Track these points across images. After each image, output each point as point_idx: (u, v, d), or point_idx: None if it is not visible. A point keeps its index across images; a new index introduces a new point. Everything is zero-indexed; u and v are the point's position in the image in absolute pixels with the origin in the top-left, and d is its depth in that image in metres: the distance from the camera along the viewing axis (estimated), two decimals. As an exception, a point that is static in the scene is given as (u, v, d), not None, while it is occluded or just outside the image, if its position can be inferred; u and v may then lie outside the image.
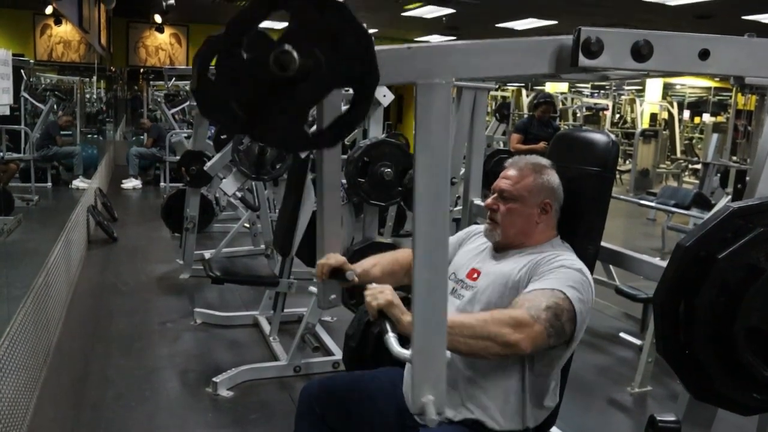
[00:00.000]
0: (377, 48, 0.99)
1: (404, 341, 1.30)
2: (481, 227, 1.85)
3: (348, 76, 0.98)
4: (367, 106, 1.00)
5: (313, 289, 3.00)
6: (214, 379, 3.14)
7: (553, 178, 1.73)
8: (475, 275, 1.73)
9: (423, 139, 1.07)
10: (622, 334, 4.13)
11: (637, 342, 3.95)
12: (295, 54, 0.91)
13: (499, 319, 1.45)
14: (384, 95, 3.45)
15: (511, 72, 1.19)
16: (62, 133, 7.11)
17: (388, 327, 1.39)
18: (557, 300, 1.50)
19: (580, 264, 1.62)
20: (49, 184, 6.73)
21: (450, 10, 9.65)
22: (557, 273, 1.57)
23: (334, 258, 1.61)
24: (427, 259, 1.12)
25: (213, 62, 0.96)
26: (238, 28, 0.95)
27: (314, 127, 1.10)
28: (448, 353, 1.64)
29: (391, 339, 1.34)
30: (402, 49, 1.06)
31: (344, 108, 1.01)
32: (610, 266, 4.41)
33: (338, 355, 3.39)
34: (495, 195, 1.74)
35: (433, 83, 1.06)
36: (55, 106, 7.27)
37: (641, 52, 1.11)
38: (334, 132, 1.02)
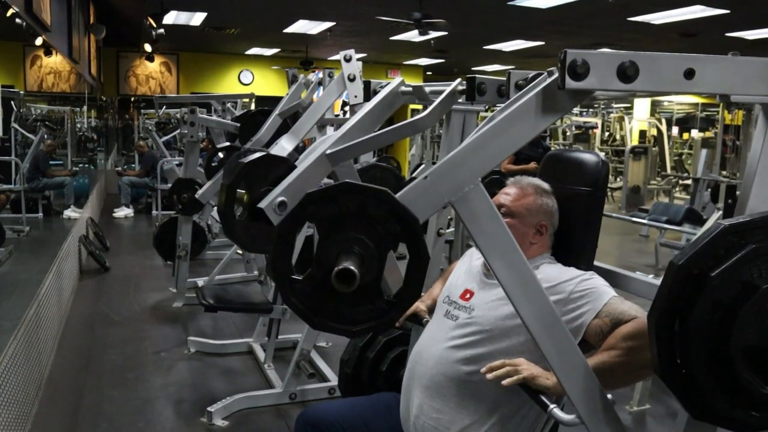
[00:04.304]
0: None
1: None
2: (474, 248, 1.85)
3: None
4: (423, 249, 1.12)
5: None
6: (208, 409, 3.10)
7: (552, 202, 1.75)
8: (468, 295, 1.73)
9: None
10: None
11: (634, 360, 3.92)
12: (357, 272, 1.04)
13: (630, 346, 1.44)
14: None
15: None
16: (52, 162, 7.09)
17: (545, 400, 1.36)
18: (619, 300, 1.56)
19: (578, 272, 1.64)
20: (41, 214, 6.68)
21: (437, 34, 9.74)
22: (590, 289, 1.59)
23: None
24: (540, 321, 1.25)
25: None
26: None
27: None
28: (416, 404, 1.64)
29: (557, 411, 1.33)
30: (420, 181, 1.18)
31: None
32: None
33: (334, 381, 3.36)
34: None
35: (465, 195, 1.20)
36: (45, 137, 7.25)
37: (627, 73, 1.12)
38: (400, 306, 1.15)
